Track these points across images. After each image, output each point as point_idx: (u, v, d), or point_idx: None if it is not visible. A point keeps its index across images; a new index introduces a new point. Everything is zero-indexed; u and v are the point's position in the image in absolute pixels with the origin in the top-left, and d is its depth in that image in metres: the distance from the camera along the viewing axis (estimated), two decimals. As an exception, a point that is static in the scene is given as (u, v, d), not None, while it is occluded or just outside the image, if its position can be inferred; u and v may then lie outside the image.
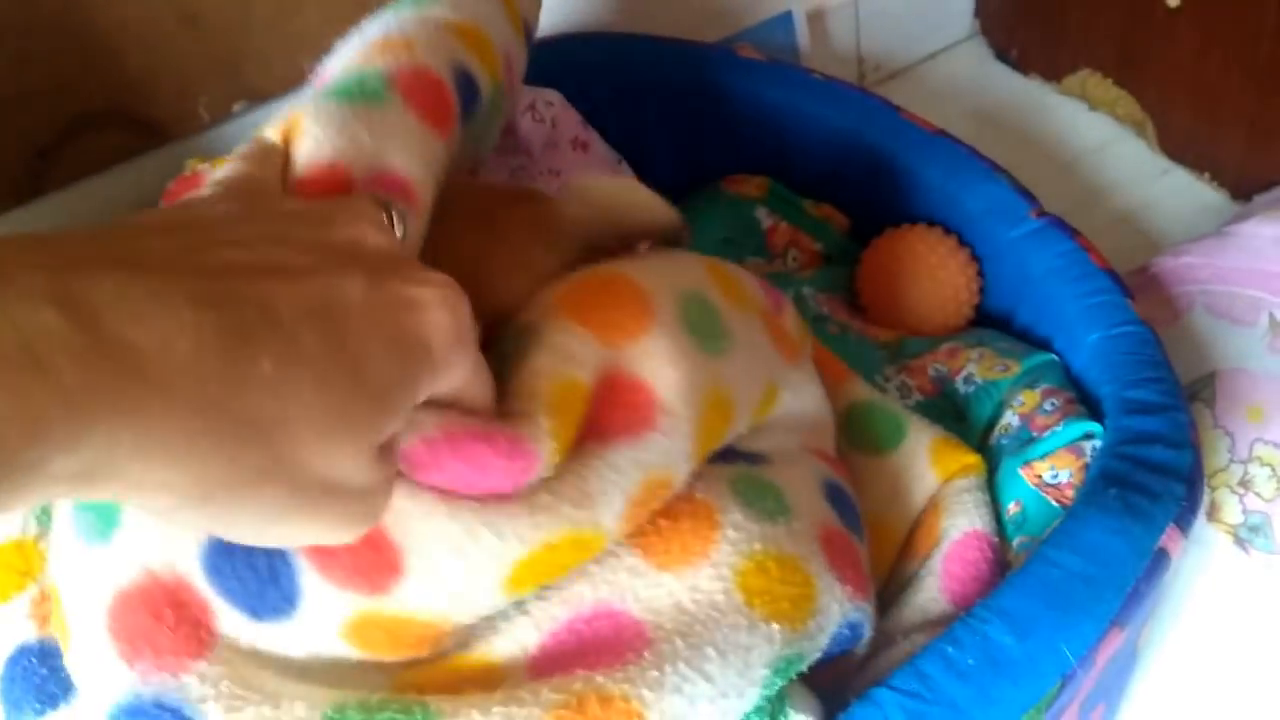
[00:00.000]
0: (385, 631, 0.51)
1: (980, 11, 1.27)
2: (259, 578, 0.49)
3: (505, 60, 0.66)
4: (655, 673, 0.51)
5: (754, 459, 0.63)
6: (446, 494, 0.50)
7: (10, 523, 0.61)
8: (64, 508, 0.53)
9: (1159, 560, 0.60)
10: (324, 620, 0.50)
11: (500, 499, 0.51)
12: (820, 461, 0.66)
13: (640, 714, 0.51)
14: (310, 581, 0.49)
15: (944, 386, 0.82)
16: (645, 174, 0.92)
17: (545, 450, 0.51)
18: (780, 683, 0.54)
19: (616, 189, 0.65)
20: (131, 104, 0.91)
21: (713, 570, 0.55)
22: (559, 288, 0.58)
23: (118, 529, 0.50)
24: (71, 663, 0.52)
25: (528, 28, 0.72)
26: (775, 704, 0.55)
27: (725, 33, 1.11)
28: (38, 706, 0.53)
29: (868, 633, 0.61)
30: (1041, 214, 0.84)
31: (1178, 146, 1.11)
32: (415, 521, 0.49)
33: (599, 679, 0.51)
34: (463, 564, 0.50)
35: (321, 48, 0.75)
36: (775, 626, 0.55)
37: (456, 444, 0.49)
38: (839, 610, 0.58)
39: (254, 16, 0.91)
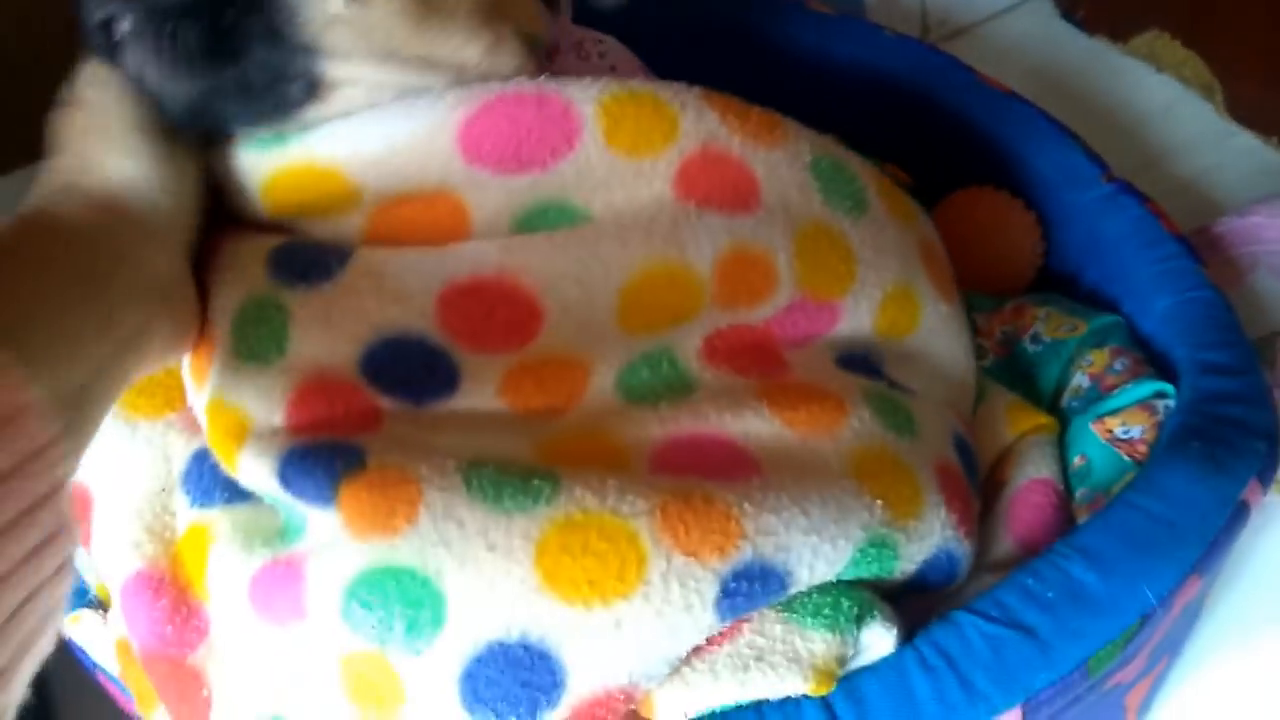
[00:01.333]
0: (535, 381, 0.60)
1: (1047, -29, 1.26)
2: (416, 373, 0.59)
3: None
4: (759, 494, 0.57)
5: (894, 385, 0.67)
6: (553, 239, 0.60)
7: None
8: (223, 334, 0.60)
9: (1240, 511, 0.61)
10: (482, 386, 0.59)
11: (600, 237, 0.60)
12: (956, 419, 0.69)
13: (738, 520, 0.56)
14: (465, 356, 0.58)
15: (1012, 347, 0.82)
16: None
17: None
18: (874, 555, 0.58)
19: None
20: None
21: (832, 444, 0.60)
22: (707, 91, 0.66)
23: (289, 342, 0.59)
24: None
25: None
26: (864, 606, 0.58)
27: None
28: (226, 496, 0.60)
29: (962, 571, 0.63)
30: (1112, 179, 0.84)
31: (1246, 110, 1.10)
32: (540, 265, 0.59)
33: (709, 484, 0.57)
34: (584, 292, 0.59)
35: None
36: (878, 502, 0.59)
37: None
38: (940, 531, 0.61)
39: None
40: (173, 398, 0.64)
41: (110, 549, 0.62)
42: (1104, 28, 1.22)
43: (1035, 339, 0.80)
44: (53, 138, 0.60)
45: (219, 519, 0.60)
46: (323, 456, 0.55)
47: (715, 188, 0.62)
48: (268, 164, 0.63)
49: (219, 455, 0.59)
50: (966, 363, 0.73)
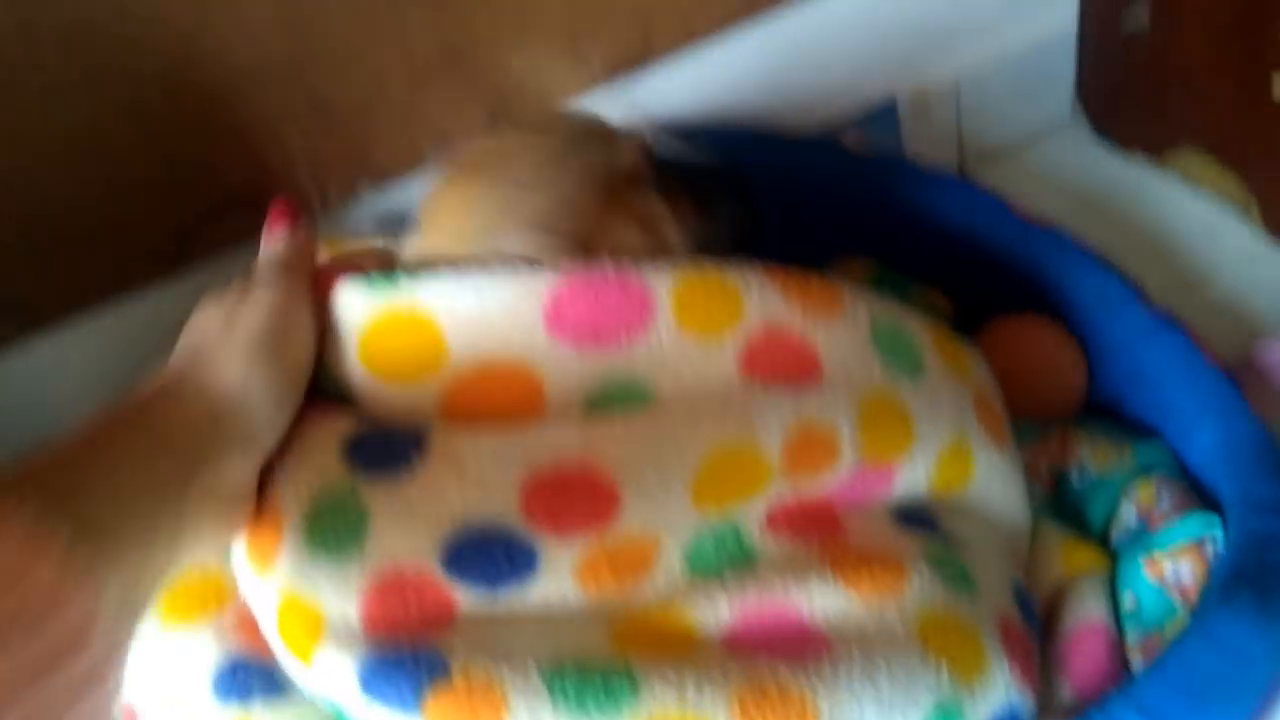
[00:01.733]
0: (609, 563, 0.60)
1: (1081, 91, 1.28)
2: (496, 563, 0.59)
3: None
4: (830, 672, 0.58)
5: (949, 538, 0.68)
6: (630, 423, 0.61)
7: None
8: (296, 526, 0.61)
9: (1293, 663, 0.61)
10: (560, 571, 0.60)
11: (674, 420, 0.62)
12: (1015, 566, 0.71)
13: (813, 703, 0.57)
14: (546, 544, 0.59)
15: (1059, 483, 0.82)
16: (756, 253, 0.95)
17: None
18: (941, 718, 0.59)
19: None
20: (265, 187, 0.95)
21: (897, 608, 0.61)
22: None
23: (368, 536, 0.59)
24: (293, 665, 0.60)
25: None
26: None
27: (831, 117, 1.13)
28: (267, 697, 0.61)
29: None
30: (1153, 308, 0.85)
31: (1284, 228, 1.10)
32: (618, 451, 0.60)
33: (782, 669, 0.58)
34: (660, 475, 0.60)
35: (443, 130, 0.79)
36: (945, 669, 0.59)
37: None
38: (1004, 689, 0.61)
39: (382, 101, 0.95)
40: (208, 603, 0.65)
41: None
42: (1139, 143, 1.23)
43: (1082, 472, 0.81)
44: (188, 324, 0.63)
45: (261, 716, 0.61)
46: (407, 665, 0.56)
47: (780, 364, 0.64)
48: (375, 304, 0.65)
49: (293, 651, 0.60)
50: (1021, 506, 0.74)
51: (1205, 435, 0.76)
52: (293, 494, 0.61)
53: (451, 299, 0.64)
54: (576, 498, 0.60)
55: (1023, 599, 0.68)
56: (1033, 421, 0.88)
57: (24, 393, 0.95)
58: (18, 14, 0.81)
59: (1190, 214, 1.17)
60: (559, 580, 0.60)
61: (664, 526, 0.62)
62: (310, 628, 0.59)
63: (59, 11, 0.82)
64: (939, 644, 0.60)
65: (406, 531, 0.59)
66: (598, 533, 0.60)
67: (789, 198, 1.02)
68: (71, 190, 0.90)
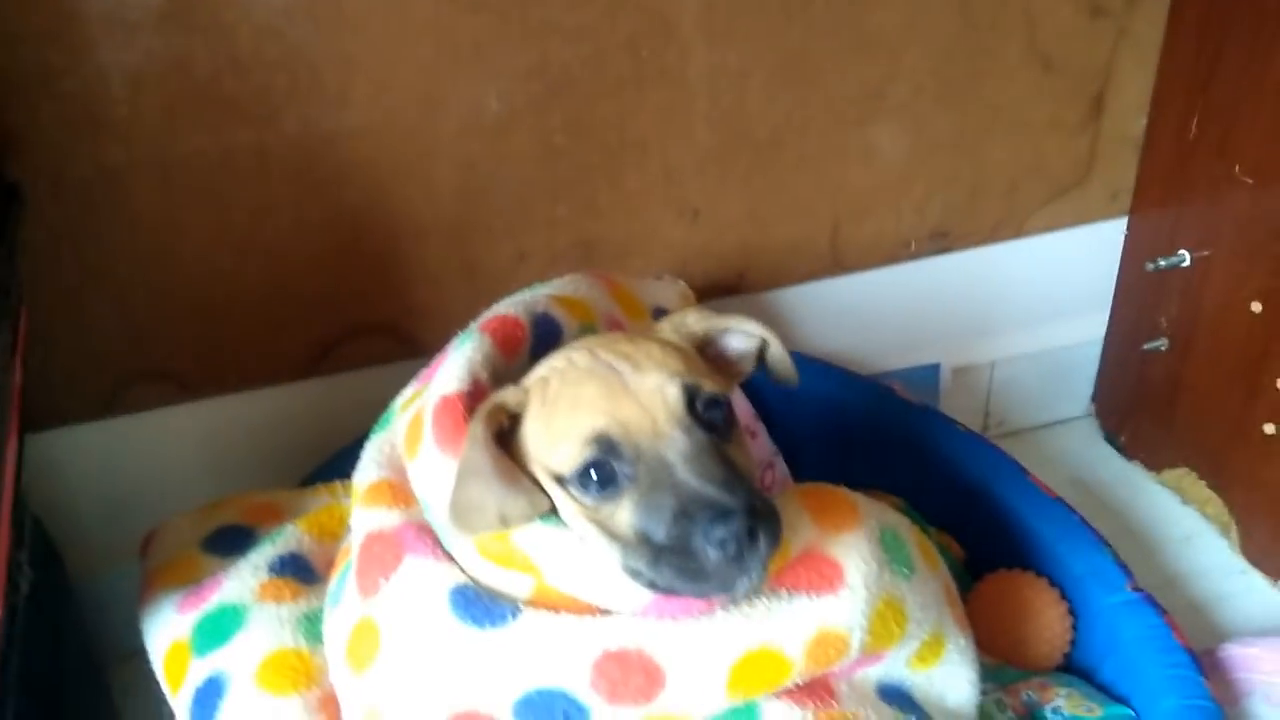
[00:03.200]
0: None
1: (1098, 396, 1.44)
2: (553, 715, 0.69)
3: (606, 318, 0.88)
4: None
5: (921, 714, 0.78)
6: (680, 622, 0.70)
7: (278, 635, 0.79)
8: (401, 654, 0.72)
9: None
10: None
11: (716, 620, 0.70)
12: None
13: None
14: (600, 710, 0.68)
15: (1033, 712, 0.94)
16: (795, 474, 1.09)
17: None
18: None
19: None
20: (405, 323, 1.10)
21: None
22: (800, 487, 0.80)
23: (457, 680, 0.70)
24: None
25: (657, 309, 0.97)
26: None
27: (878, 368, 1.29)
28: None
29: None
30: (1136, 588, 0.98)
31: (1258, 553, 1.23)
32: (670, 643, 0.69)
33: None
34: (701, 666, 0.69)
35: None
36: None
37: None
38: None
39: (521, 273, 1.11)
40: (298, 680, 0.78)
41: None
42: (1141, 455, 1.37)
43: (1056, 712, 0.92)
44: None
45: None
46: None
47: (806, 577, 0.72)
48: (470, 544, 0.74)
49: None
50: (971, 690, 0.83)
51: (1167, 702, 0.88)
52: (406, 627, 0.72)
53: (550, 552, 0.71)
54: (632, 676, 0.68)
55: None
56: (1017, 669, 1.00)
57: (157, 453, 1.09)
58: (256, 132, 0.98)
59: (1177, 523, 1.31)
60: None
61: (697, 707, 0.70)
62: None
63: (284, 138, 0.99)
64: None
65: (491, 680, 0.69)
66: (644, 705, 0.69)
67: (834, 427, 1.17)
68: (246, 289, 1.05)
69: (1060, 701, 0.94)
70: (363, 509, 0.78)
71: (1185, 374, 1.28)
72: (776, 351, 0.76)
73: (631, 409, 0.67)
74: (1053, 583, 1.04)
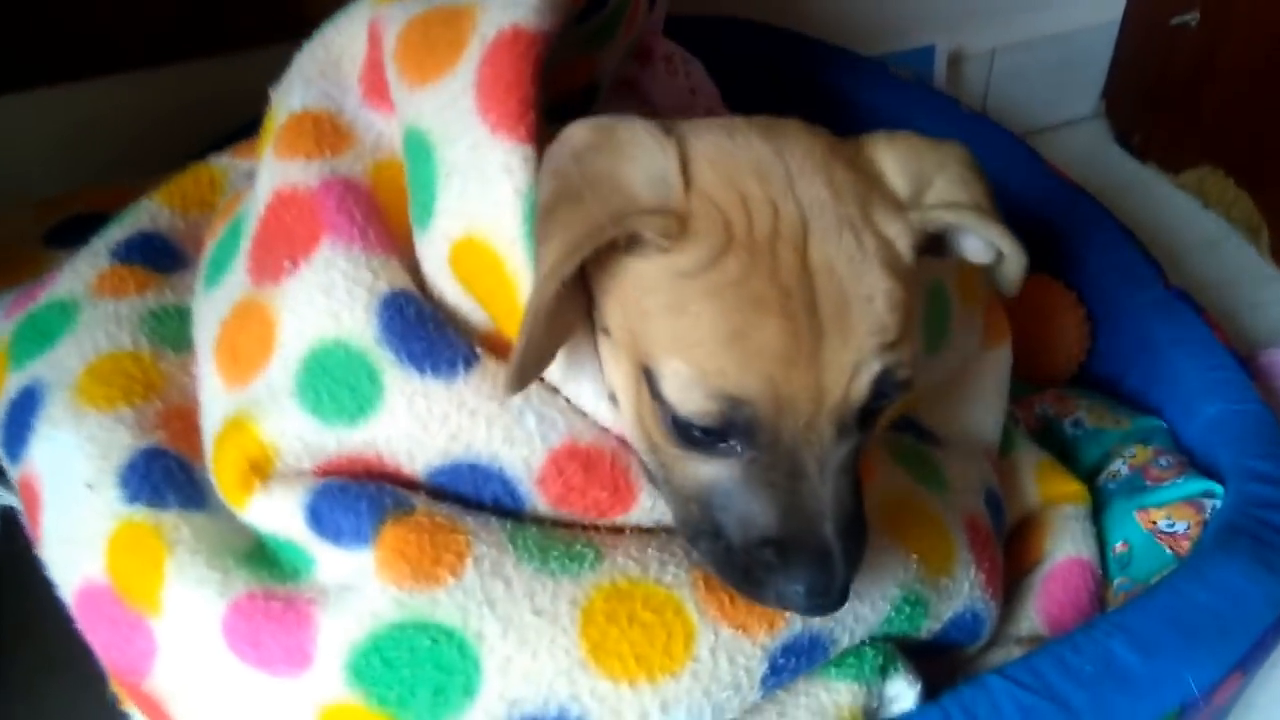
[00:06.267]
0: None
1: (1110, 91, 1.27)
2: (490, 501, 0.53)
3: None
4: None
5: (927, 436, 0.66)
6: None
7: (112, 336, 0.61)
8: (291, 364, 0.53)
9: (1286, 615, 0.59)
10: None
11: None
12: (991, 470, 0.68)
13: None
14: (539, 509, 0.53)
15: (1049, 425, 0.81)
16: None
17: None
18: (907, 613, 0.56)
19: None
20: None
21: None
22: None
23: (370, 421, 0.52)
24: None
25: None
26: (888, 657, 0.56)
27: (870, 51, 1.11)
28: (182, 501, 0.54)
29: (986, 632, 0.61)
30: (1169, 285, 0.84)
31: (1292, 257, 1.10)
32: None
33: None
34: None
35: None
36: (914, 556, 0.57)
37: None
38: (969, 590, 0.59)
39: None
40: (132, 390, 0.58)
41: (54, 551, 0.56)
42: (1157, 156, 1.23)
43: (1077, 424, 0.79)
44: None
45: (175, 524, 0.53)
46: (369, 494, 0.51)
47: None
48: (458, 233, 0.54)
49: (222, 483, 0.53)
50: (1000, 408, 0.71)
51: (1210, 409, 0.75)
52: (301, 330, 0.53)
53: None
54: (595, 482, 0.53)
55: (994, 504, 0.66)
56: (1029, 384, 0.86)
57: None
58: None
59: (1199, 229, 1.17)
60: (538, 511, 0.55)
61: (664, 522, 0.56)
62: (257, 466, 0.52)
63: None
64: (908, 535, 0.57)
65: (414, 434, 0.52)
66: (591, 519, 0.55)
67: (828, 114, 0.99)
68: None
69: (1080, 414, 0.81)
70: (274, 154, 0.58)
71: (1218, 54, 1.12)
72: (1015, 270, 0.55)
73: (803, 387, 0.46)
74: (1069, 285, 0.89)
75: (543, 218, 0.48)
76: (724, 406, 0.46)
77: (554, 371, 0.52)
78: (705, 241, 0.46)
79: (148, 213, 0.68)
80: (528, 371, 0.48)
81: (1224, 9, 1.10)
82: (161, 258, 0.66)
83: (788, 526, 0.47)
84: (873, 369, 0.47)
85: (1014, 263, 0.54)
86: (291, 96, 0.59)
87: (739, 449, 0.47)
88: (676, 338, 0.46)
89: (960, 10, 1.15)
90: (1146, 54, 1.21)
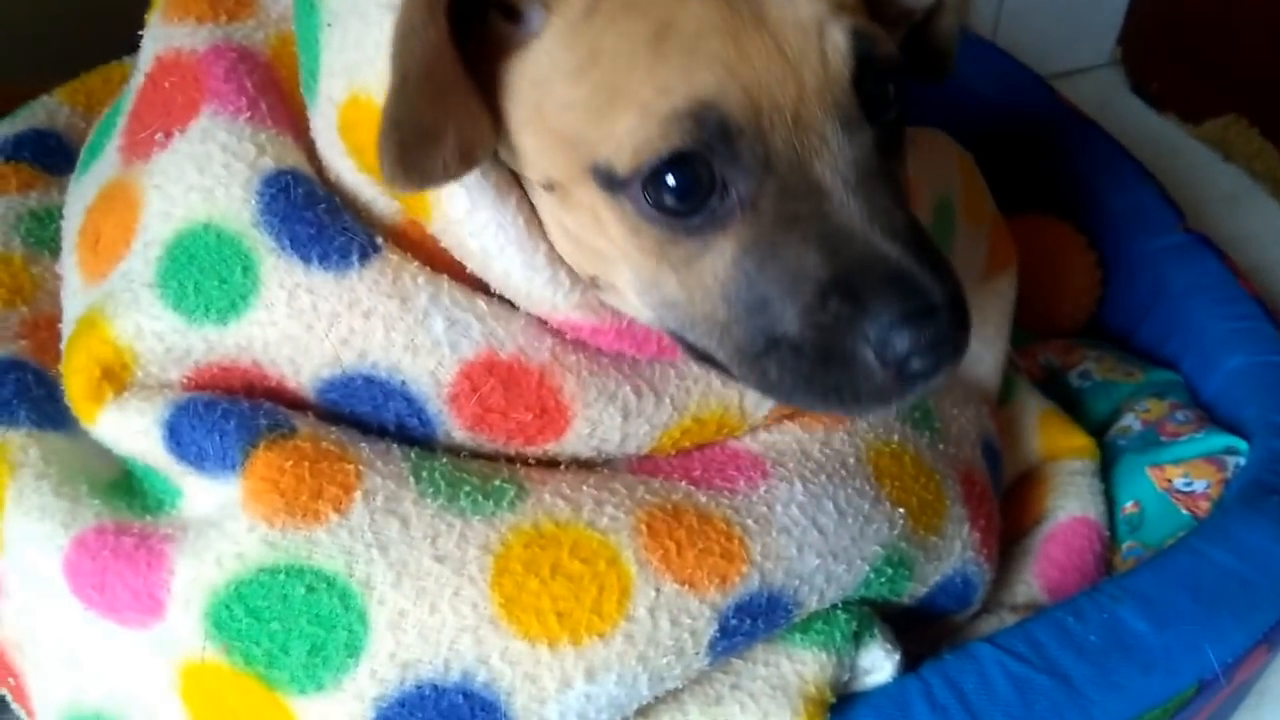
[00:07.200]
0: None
1: (1125, 38, 1.20)
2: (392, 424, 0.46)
3: None
4: (765, 508, 0.47)
5: None
6: (619, 358, 0.47)
7: None
8: (155, 250, 0.46)
9: (1324, 582, 0.52)
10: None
11: (663, 367, 0.48)
12: (989, 417, 0.61)
13: (741, 541, 0.46)
14: (452, 433, 0.46)
15: (1054, 377, 0.74)
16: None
17: None
18: (888, 575, 0.49)
19: None
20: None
21: (846, 435, 0.50)
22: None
23: (243, 317, 0.45)
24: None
25: None
26: (862, 622, 0.49)
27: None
28: (36, 419, 0.47)
29: (978, 598, 0.54)
30: (1189, 229, 0.77)
31: (1318, 212, 1.03)
32: (589, 380, 0.46)
33: (701, 496, 0.47)
34: (623, 423, 0.47)
35: None
36: (900, 510, 0.50)
37: None
38: (960, 550, 0.52)
39: None
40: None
41: None
42: (1176, 107, 1.15)
43: (1084, 375, 0.72)
44: None
45: (22, 444, 0.46)
46: (240, 411, 0.43)
47: None
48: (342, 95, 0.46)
49: (71, 393, 0.46)
50: (1001, 347, 0.64)
51: (1232, 361, 0.68)
52: (166, 211, 0.46)
53: None
54: (519, 402, 0.46)
55: (991, 456, 0.59)
56: (1035, 334, 0.79)
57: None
58: None
59: (1218, 182, 1.09)
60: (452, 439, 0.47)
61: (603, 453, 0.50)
62: (113, 371, 0.45)
63: None
64: (895, 484, 0.50)
65: (299, 338, 0.44)
66: (516, 446, 0.48)
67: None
68: None
69: (1089, 365, 0.74)
70: (161, 19, 0.50)
71: (1241, -5, 1.05)
72: (953, 17, 0.48)
73: (766, 61, 0.39)
74: (1082, 226, 0.82)
75: None
76: (686, 125, 0.38)
77: (473, 238, 0.44)
78: None
79: (45, 109, 0.62)
80: (408, 145, 0.39)
81: (1250, -54, 1.02)
82: (53, 156, 0.59)
83: (837, 260, 0.39)
84: (841, 25, 0.40)
85: (950, 8, 0.48)
86: None
87: (738, 193, 0.40)
88: (607, 94, 0.39)
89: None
90: (1169, -6, 1.13)
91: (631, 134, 0.39)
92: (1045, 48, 1.16)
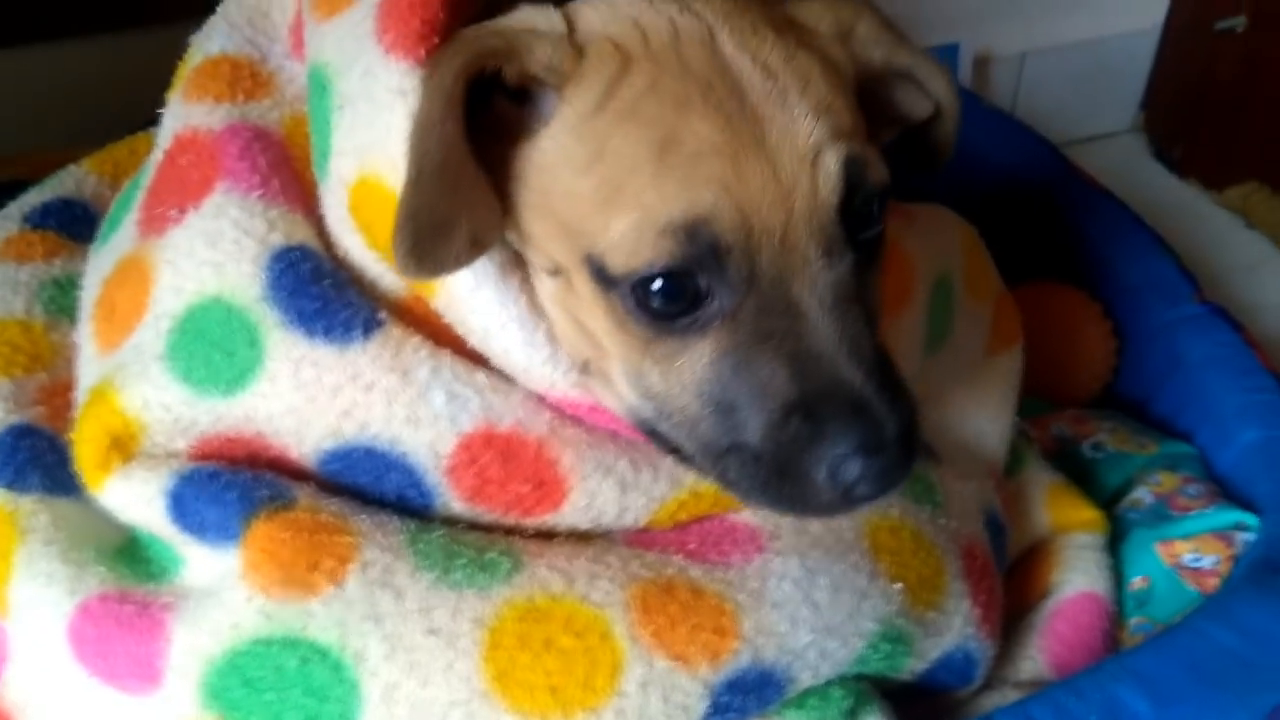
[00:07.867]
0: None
1: (1149, 102, 1.20)
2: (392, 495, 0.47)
3: None
4: (758, 583, 0.47)
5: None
6: (616, 432, 0.48)
7: (9, 303, 0.55)
8: (166, 325, 0.47)
9: (1331, 662, 0.51)
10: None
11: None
12: (994, 490, 0.61)
13: (734, 616, 0.46)
14: (450, 505, 0.47)
15: (1066, 448, 0.73)
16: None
17: None
18: (885, 651, 0.49)
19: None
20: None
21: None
22: None
23: (248, 390, 0.46)
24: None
25: None
26: (859, 699, 0.49)
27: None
28: (48, 485, 0.48)
29: (979, 675, 0.54)
30: (1204, 300, 0.77)
31: (1341, 282, 1.02)
32: (589, 448, 0.47)
33: (695, 570, 0.47)
34: (620, 496, 0.48)
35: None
36: (898, 585, 0.50)
37: None
38: (960, 626, 0.52)
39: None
40: (14, 361, 0.53)
41: None
42: (1199, 173, 1.15)
43: (1097, 447, 0.72)
44: None
45: (33, 509, 0.47)
46: (241, 482, 0.44)
47: None
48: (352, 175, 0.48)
49: (80, 462, 0.47)
50: (1006, 421, 0.64)
51: (1248, 434, 0.68)
52: (179, 286, 0.47)
53: None
54: (516, 474, 0.47)
55: (995, 529, 0.58)
56: (1048, 403, 0.79)
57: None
58: None
59: (1240, 250, 1.09)
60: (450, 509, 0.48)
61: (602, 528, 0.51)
62: (120, 442, 0.46)
63: None
64: (892, 559, 0.50)
65: (304, 412, 0.45)
66: (515, 518, 0.48)
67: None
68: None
69: (1102, 436, 0.73)
70: (181, 98, 0.52)
71: (1266, 61, 1.05)
72: (951, 124, 0.50)
73: (761, 184, 0.41)
74: (1094, 297, 0.82)
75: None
76: (680, 238, 0.40)
77: (475, 315, 0.45)
78: (601, 68, 0.42)
79: (73, 178, 0.64)
80: (422, 236, 0.40)
81: (1273, 13, 1.03)
82: (79, 225, 0.60)
83: (804, 381, 0.41)
84: (836, 153, 0.41)
85: (949, 111, 0.50)
86: (211, 41, 0.53)
87: (721, 304, 0.41)
88: (609, 191, 0.41)
89: (989, 7, 1.08)
90: (1189, 61, 1.14)
91: (626, 237, 0.40)
92: (1067, 113, 1.17)
